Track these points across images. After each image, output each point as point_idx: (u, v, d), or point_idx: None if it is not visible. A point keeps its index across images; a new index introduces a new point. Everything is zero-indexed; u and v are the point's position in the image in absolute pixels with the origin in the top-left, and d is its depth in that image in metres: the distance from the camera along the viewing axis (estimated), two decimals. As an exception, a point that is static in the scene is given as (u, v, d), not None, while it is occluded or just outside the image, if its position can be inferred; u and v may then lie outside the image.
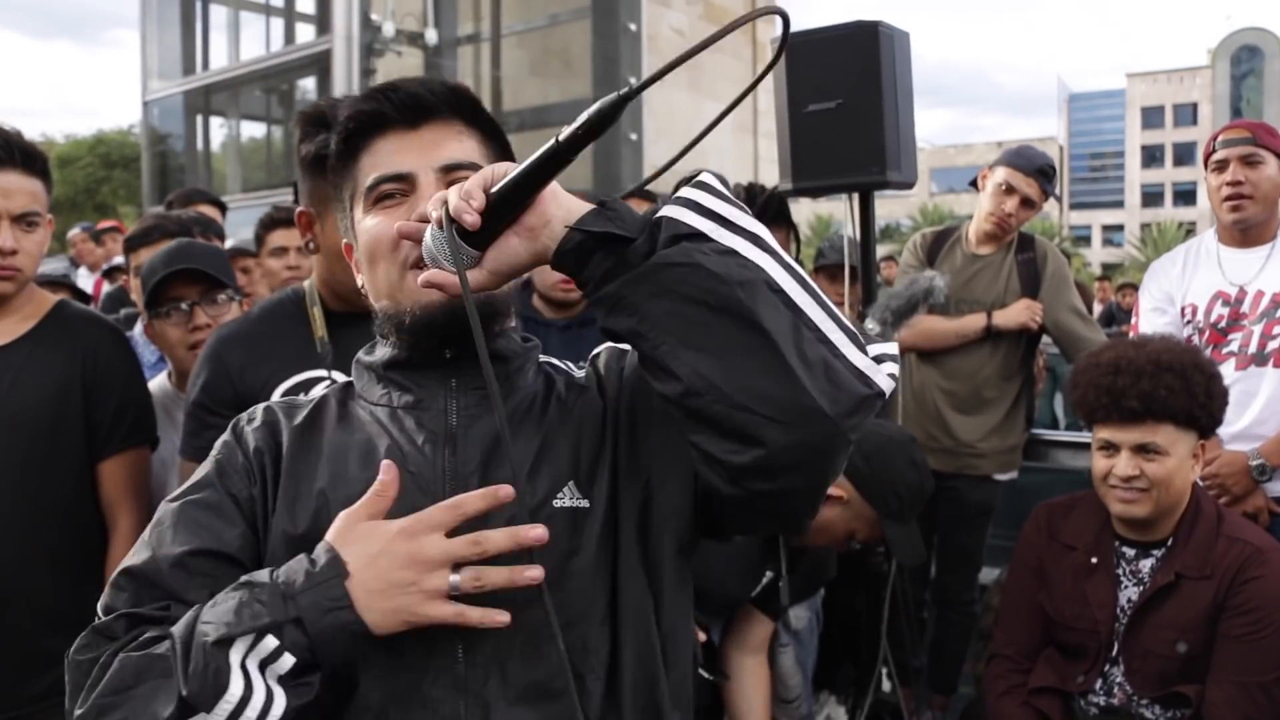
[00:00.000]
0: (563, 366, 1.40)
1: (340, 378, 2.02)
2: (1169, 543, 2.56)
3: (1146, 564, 2.58)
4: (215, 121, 13.91)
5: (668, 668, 1.26)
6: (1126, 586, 2.59)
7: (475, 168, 1.26)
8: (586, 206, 1.15)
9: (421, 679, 1.17)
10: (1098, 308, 12.72)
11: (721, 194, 1.15)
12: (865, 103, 2.76)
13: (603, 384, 1.34)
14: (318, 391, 1.43)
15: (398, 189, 1.29)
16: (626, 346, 1.27)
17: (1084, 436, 4.35)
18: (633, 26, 13.02)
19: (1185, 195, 69.92)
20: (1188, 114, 71.77)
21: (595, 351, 1.40)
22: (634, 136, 13.20)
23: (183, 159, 14.81)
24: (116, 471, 2.40)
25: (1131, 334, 3.44)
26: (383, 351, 1.34)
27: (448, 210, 1.13)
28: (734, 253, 1.09)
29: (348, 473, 1.26)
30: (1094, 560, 2.62)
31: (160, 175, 15.00)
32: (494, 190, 1.13)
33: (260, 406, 1.38)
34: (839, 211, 3.05)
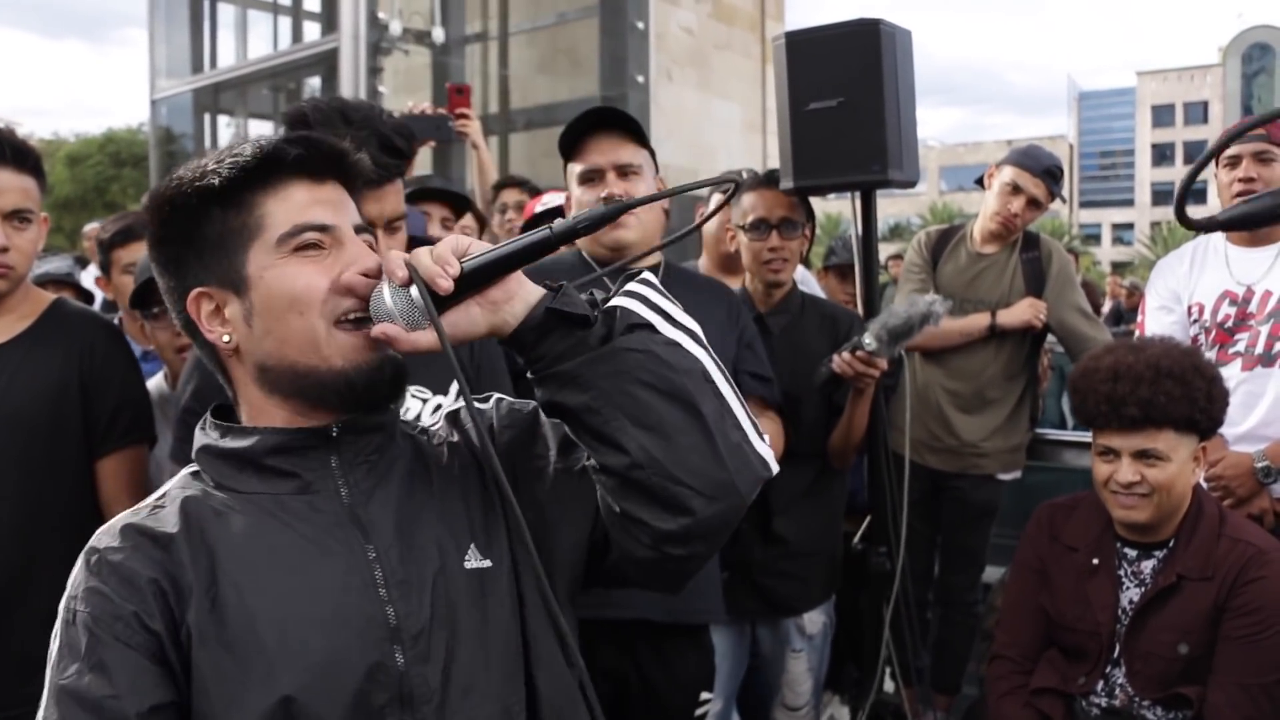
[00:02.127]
0: (412, 425, 1.40)
1: None
2: (1170, 544, 2.55)
3: (1148, 565, 2.56)
4: (223, 120, 13.93)
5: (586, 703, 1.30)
6: (1128, 587, 2.57)
7: (369, 230, 1.31)
8: (540, 289, 1.24)
9: None
10: (1108, 303, 12.67)
11: (662, 292, 1.28)
12: (867, 101, 2.73)
13: (489, 440, 1.31)
14: (152, 501, 1.29)
15: (322, 239, 1.25)
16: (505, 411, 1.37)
17: (1087, 436, 4.34)
18: (640, 25, 13.00)
19: (1196, 194, 68.18)
20: (1198, 112, 71.47)
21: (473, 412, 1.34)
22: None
23: (191, 157, 14.82)
24: (116, 469, 2.40)
25: (1137, 332, 3.41)
26: (246, 439, 1.26)
27: (417, 272, 1.18)
28: (678, 345, 1.23)
29: (261, 579, 1.19)
30: (1095, 561, 2.60)
31: (168, 174, 15.01)
32: (469, 262, 1.20)
33: (104, 544, 1.22)
34: (848, 210, 3.04)
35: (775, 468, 1.29)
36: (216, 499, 1.25)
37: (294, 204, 1.25)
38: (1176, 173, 72.18)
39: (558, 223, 1.23)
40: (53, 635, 1.21)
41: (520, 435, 1.36)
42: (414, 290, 1.19)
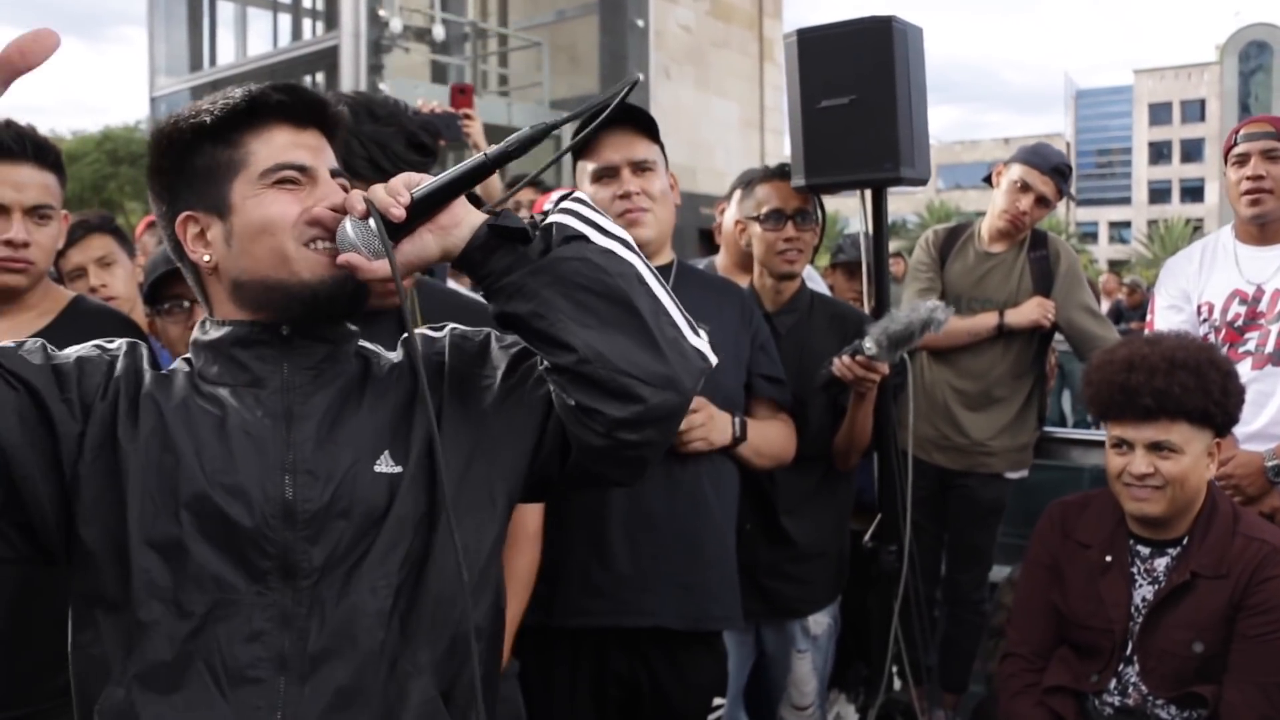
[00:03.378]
0: (374, 350, 1.54)
1: None
2: (1184, 541, 2.54)
3: (1161, 562, 2.56)
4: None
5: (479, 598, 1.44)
6: (1141, 585, 2.57)
7: (343, 175, 1.47)
8: (483, 215, 1.39)
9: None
10: (1106, 302, 12.69)
11: (594, 207, 1.44)
12: (879, 98, 2.72)
13: (443, 362, 1.49)
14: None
15: (299, 177, 1.41)
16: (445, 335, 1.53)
17: (1093, 434, 4.35)
18: (640, 23, 13.01)
19: (1192, 192, 69.72)
20: (1195, 110, 71.48)
21: (430, 337, 1.54)
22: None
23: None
24: None
25: (1147, 331, 3.41)
26: (219, 330, 1.43)
27: (374, 204, 1.33)
28: (611, 253, 1.37)
29: (193, 435, 1.36)
30: (1108, 559, 2.60)
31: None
32: (418, 190, 1.35)
33: (126, 346, 1.46)
34: (845, 208, 3.03)
35: (714, 359, 1.44)
36: (191, 377, 1.44)
37: (276, 145, 1.42)
38: (1173, 171, 72.32)
39: (492, 148, 1.35)
40: None
41: (467, 358, 1.50)
42: (371, 220, 1.33)
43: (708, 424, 2.40)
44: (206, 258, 1.43)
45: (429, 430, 1.39)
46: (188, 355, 1.49)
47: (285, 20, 11.58)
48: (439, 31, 10.25)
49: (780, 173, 2.98)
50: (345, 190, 1.43)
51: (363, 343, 1.55)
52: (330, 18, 10.62)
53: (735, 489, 2.54)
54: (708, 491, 2.43)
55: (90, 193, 35.15)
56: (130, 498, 1.32)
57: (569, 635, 2.37)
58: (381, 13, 9.71)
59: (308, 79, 11.76)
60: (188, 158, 1.43)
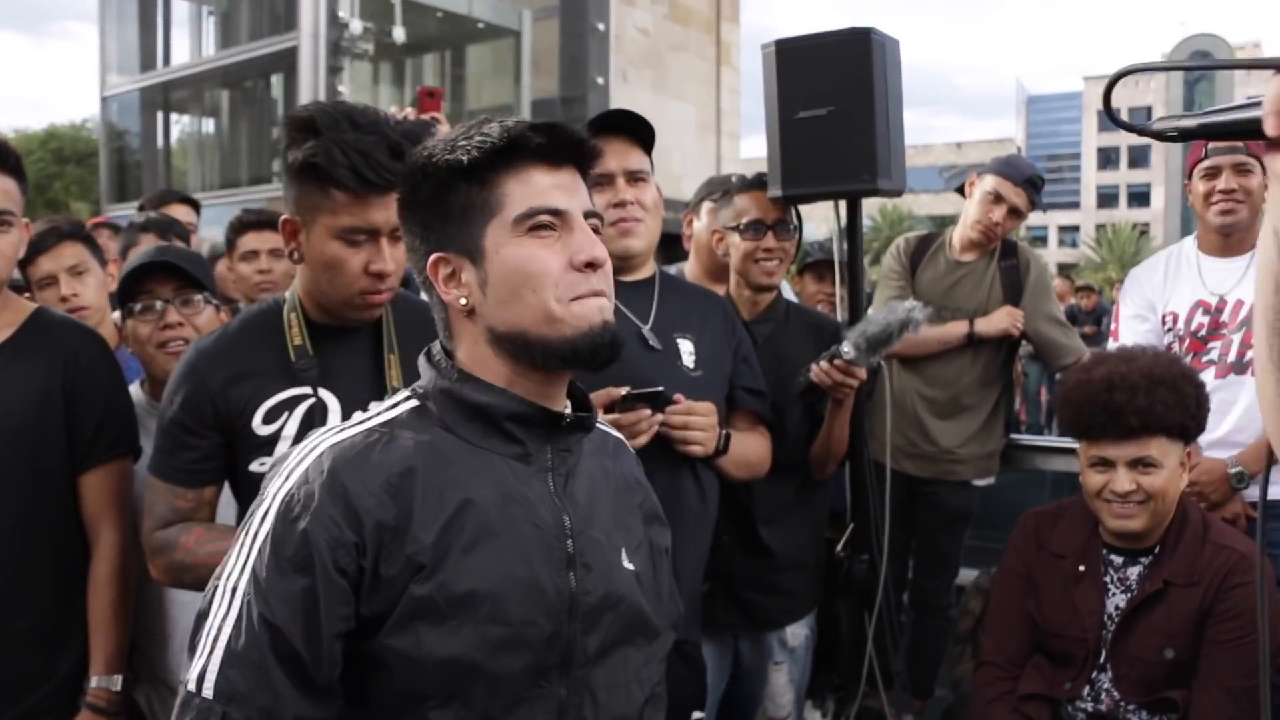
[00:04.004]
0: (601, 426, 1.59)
1: (327, 395, 1.99)
2: (1156, 550, 2.58)
3: (1134, 571, 2.60)
4: (176, 118, 13.70)
5: None
6: (1114, 594, 2.60)
7: (597, 216, 1.44)
8: None
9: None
10: (1062, 306, 12.84)
11: None
12: (857, 110, 2.74)
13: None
14: (367, 425, 1.40)
15: (554, 222, 1.37)
16: None
17: (1054, 440, 4.40)
18: (601, 26, 13.00)
19: (1139, 197, 70.84)
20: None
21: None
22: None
23: (140, 155, 14.59)
24: (100, 483, 2.32)
25: (1112, 340, 3.46)
26: (490, 396, 1.39)
27: None
28: None
29: (479, 533, 1.34)
30: (1082, 568, 2.63)
31: (119, 172, 14.76)
32: None
33: (340, 459, 1.34)
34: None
35: None
36: (448, 442, 1.38)
37: (532, 187, 1.37)
38: (1121, 176, 73.42)
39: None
40: (256, 506, 1.34)
41: None
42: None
43: (709, 431, 2.38)
44: (463, 301, 1.39)
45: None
46: (416, 414, 1.42)
47: (243, 20, 11.41)
48: (399, 34, 10.16)
49: (759, 183, 2.98)
50: (598, 231, 1.42)
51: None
52: (288, 19, 10.48)
53: (717, 500, 2.54)
54: (693, 501, 2.42)
55: (35, 192, 34.51)
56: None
57: None
58: (341, 14, 9.60)
59: (263, 80, 11.64)
60: (441, 196, 1.39)
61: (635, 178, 2.42)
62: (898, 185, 2.81)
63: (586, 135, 1.43)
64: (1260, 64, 0.96)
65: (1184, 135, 1.04)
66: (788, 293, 4.15)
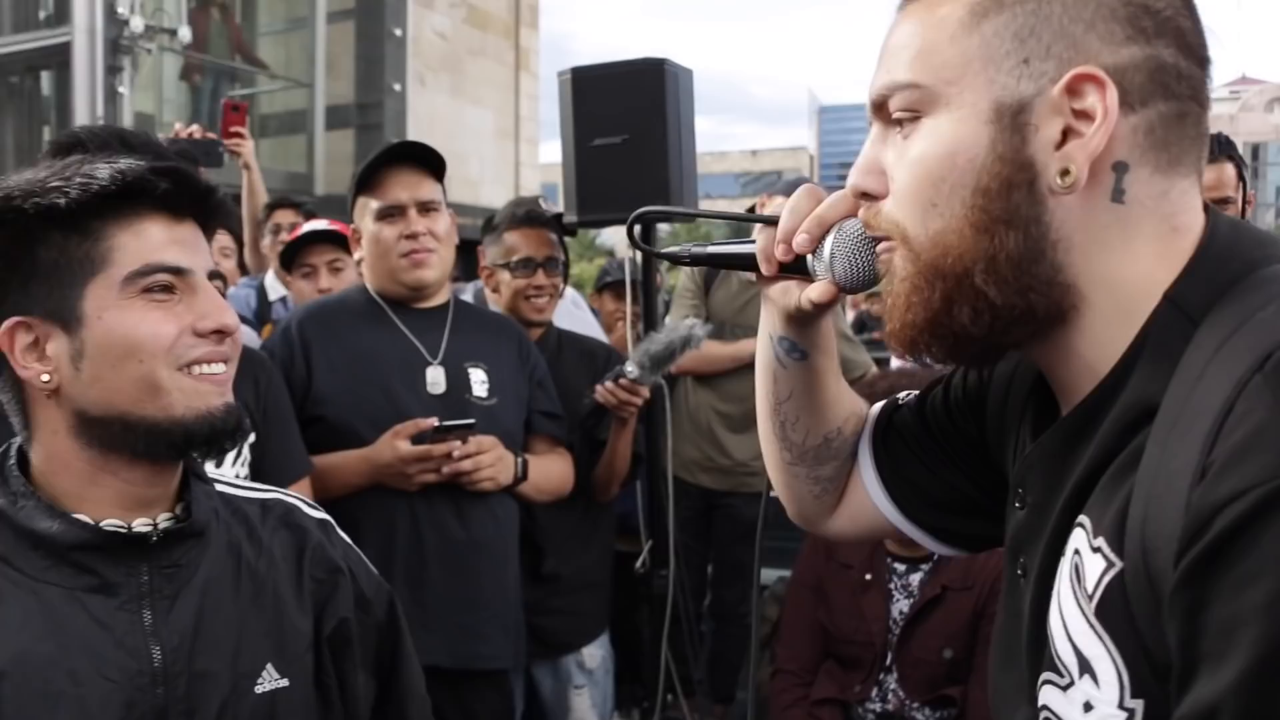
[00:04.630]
0: (239, 507, 1.31)
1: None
2: (935, 557, 2.74)
3: (916, 578, 2.75)
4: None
5: None
6: (898, 600, 2.75)
7: (220, 277, 1.25)
8: None
9: None
10: (850, 313, 13.39)
11: None
12: (651, 138, 2.81)
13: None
14: None
15: (174, 282, 1.15)
16: None
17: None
18: (399, 31, 12.79)
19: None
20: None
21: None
22: (394, 140, 12.94)
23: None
24: None
25: (893, 360, 3.65)
26: (52, 523, 1.13)
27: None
28: None
29: (33, 684, 1.09)
30: (868, 577, 2.77)
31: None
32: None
33: None
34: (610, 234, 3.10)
35: None
36: None
37: (148, 241, 1.14)
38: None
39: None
40: None
41: None
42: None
43: (496, 464, 2.40)
44: (45, 378, 1.12)
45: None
46: None
47: (4, 11, 10.64)
48: (185, 33, 9.71)
49: (527, 219, 3.01)
50: (222, 293, 1.22)
51: (222, 493, 1.30)
52: (60, 13, 9.87)
53: (516, 528, 2.56)
54: (489, 531, 2.44)
55: None
56: None
57: None
58: (120, 10, 9.09)
59: (29, 77, 10.94)
60: (25, 247, 1.12)
61: (427, 208, 2.42)
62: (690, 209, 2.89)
63: (215, 187, 1.21)
64: (754, 219, 1.10)
65: (695, 261, 1.15)
66: (584, 308, 4.21)
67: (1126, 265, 0.83)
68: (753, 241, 1.08)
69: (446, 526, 2.38)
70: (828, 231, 1.00)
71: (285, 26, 13.09)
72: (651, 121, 2.81)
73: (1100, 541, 0.79)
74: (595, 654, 3.08)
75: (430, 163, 2.44)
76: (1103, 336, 0.84)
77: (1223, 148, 3.25)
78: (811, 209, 1.01)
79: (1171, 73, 0.81)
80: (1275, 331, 0.72)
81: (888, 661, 2.74)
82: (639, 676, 3.49)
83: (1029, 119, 0.81)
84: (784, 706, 2.82)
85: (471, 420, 2.30)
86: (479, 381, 2.48)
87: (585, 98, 2.88)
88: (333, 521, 1.41)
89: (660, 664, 3.10)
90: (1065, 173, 0.80)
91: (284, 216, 4.18)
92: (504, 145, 17.25)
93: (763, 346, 1.17)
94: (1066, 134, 0.81)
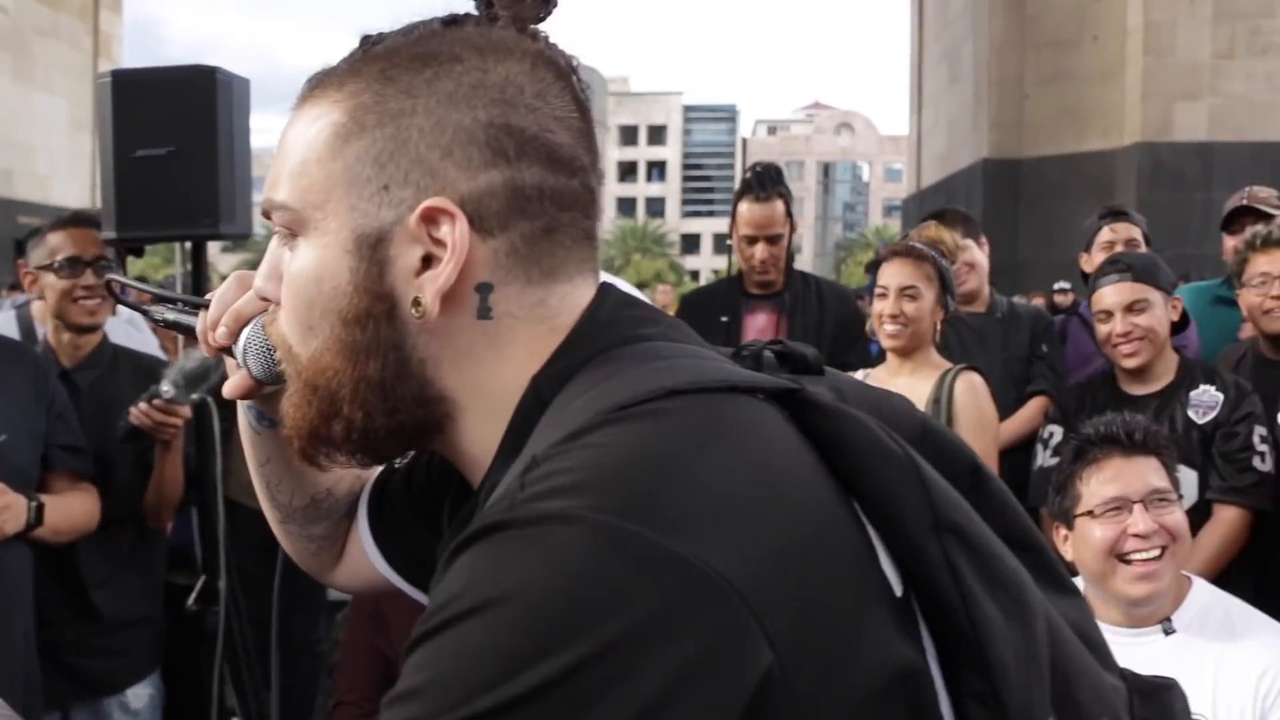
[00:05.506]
0: None
1: None
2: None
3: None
4: None
5: None
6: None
7: None
8: None
9: None
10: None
11: None
12: (200, 151, 2.66)
13: None
14: None
15: None
16: None
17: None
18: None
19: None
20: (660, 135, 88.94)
21: None
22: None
23: None
24: None
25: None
26: None
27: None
28: None
29: None
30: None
31: None
32: None
33: None
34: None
35: None
36: None
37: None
38: (640, 190, 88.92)
39: None
40: None
41: None
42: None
43: (3, 512, 2.20)
44: None
45: None
46: None
47: None
48: None
49: (76, 220, 2.86)
50: None
51: None
52: None
53: (29, 578, 2.37)
54: None
55: None
56: None
57: None
58: None
59: None
60: None
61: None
62: (242, 229, 2.79)
63: None
64: (194, 303, 1.14)
65: (163, 323, 1.18)
66: (139, 340, 3.94)
67: (498, 370, 0.86)
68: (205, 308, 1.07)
69: None
70: (246, 324, 1.00)
71: None
72: (201, 134, 2.66)
73: None
74: (142, 694, 2.95)
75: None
76: (482, 434, 0.87)
77: (773, 183, 3.56)
78: (236, 299, 1.01)
79: (533, 193, 0.84)
80: (604, 399, 0.75)
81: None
82: (206, 715, 3.32)
83: (388, 249, 0.83)
84: (347, 739, 2.76)
85: None
86: None
87: (127, 103, 2.68)
88: None
89: (213, 703, 2.96)
90: (417, 303, 0.82)
91: None
92: (80, 138, 15.80)
93: (240, 409, 1.16)
94: (430, 260, 0.82)
